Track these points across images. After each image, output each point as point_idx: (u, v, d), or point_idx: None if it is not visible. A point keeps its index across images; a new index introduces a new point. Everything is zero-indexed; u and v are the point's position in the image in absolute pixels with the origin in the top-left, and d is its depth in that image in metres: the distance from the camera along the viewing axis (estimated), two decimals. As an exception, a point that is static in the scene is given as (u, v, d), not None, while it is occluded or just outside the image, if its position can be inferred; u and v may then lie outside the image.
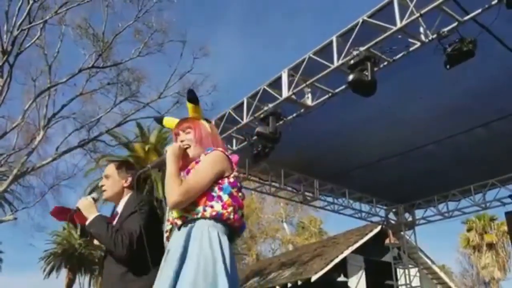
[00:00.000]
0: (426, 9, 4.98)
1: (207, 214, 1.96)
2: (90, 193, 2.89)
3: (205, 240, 1.88)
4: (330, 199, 10.87)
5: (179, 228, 2.00)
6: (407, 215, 11.90)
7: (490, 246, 25.12)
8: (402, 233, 11.98)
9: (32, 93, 14.89)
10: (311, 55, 6.24)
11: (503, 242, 24.82)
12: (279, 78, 6.67)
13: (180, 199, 1.95)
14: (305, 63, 6.29)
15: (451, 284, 18.96)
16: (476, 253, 26.00)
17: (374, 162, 9.08)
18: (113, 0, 14.89)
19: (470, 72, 6.01)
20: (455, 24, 5.04)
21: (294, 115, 6.79)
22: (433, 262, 17.90)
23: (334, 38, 5.95)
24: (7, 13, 13.19)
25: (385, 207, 11.94)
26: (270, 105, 6.68)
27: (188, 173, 2.09)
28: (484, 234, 25.36)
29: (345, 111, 7.16)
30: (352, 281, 15.81)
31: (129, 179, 2.85)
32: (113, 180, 2.85)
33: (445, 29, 5.07)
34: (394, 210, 11.92)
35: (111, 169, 2.90)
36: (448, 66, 5.24)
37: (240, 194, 2.10)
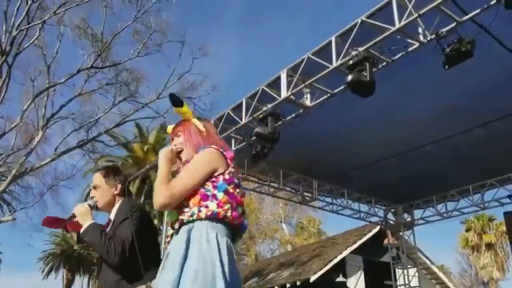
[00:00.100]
0: (425, 9, 4.99)
1: (202, 214, 1.91)
2: (87, 195, 2.87)
3: (203, 242, 1.84)
4: (329, 199, 10.89)
5: (177, 232, 1.96)
6: (406, 215, 11.92)
7: (489, 246, 25.13)
8: (401, 233, 11.99)
9: (31, 94, 14.88)
10: (310, 55, 6.24)
11: (501, 242, 24.83)
12: (278, 78, 6.68)
13: (164, 201, 1.92)
14: (304, 63, 6.30)
15: (449, 284, 18.97)
16: (474, 253, 26.01)
17: (373, 163, 9.09)
18: (112, 0, 14.91)
19: (468, 73, 6.02)
20: (453, 24, 5.05)
21: (293, 115, 6.80)
22: (432, 262, 17.91)
23: (333, 39, 5.96)
24: (6, 13, 13.20)
25: (384, 208, 11.95)
26: (269, 106, 6.68)
27: None
28: (483, 234, 25.38)
29: (344, 112, 7.16)
30: (351, 281, 15.82)
31: (119, 186, 2.81)
32: (102, 190, 2.81)
33: (444, 30, 5.07)
34: (393, 210, 11.94)
35: (98, 178, 2.84)
36: (446, 67, 5.25)
37: (237, 190, 2.03)
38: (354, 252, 15.88)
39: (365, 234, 16.15)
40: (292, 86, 6.43)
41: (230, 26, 52.67)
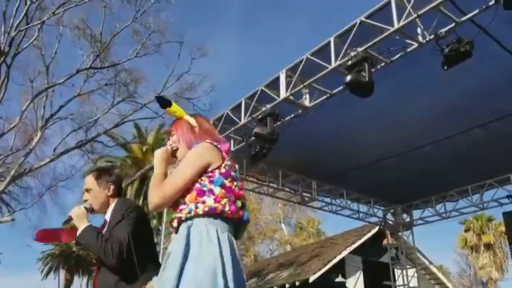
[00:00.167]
0: (424, 10, 5.00)
1: (200, 211, 1.87)
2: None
3: (204, 240, 1.81)
4: (328, 199, 10.89)
5: (176, 231, 1.94)
6: (405, 215, 11.92)
7: (488, 246, 25.15)
8: (400, 233, 12.00)
9: (30, 94, 14.87)
10: (308, 56, 6.24)
11: (500, 242, 24.86)
12: (277, 78, 6.68)
13: (157, 201, 1.92)
14: (302, 63, 6.30)
15: (448, 284, 19.00)
16: (473, 254, 26.03)
17: (372, 163, 9.09)
18: (111, 0, 14.91)
19: (467, 73, 6.02)
20: (452, 25, 5.05)
21: (292, 116, 6.80)
22: (430, 263, 17.93)
23: (331, 39, 5.96)
24: (5, 14, 13.17)
25: (383, 208, 11.95)
26: (268, 106, 6.68)
27: None
28: (482, 235, 25.40)
29: (342, 112, 7.16)
30: (350, 282, 15.82)
31: (111, 187, 2.81)
32: (94, 192, 2.80)
33: (443, 30, 5.08)
34: (392, 210, 11.94)
35: (90, 181, 2.84)
36: (445, 67, 5.26)
37: (235, 183, 1.99)
38: (353, 252, 15.89)
39: (364, 235, 16.17)
40: (291, 86, 6.43)
41: (229, 26, 52.75)
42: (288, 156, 8.55)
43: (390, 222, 12.06)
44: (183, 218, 1.91)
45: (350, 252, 15.83)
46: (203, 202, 1.89)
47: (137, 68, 16.91)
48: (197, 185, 1.93)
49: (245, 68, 54.61)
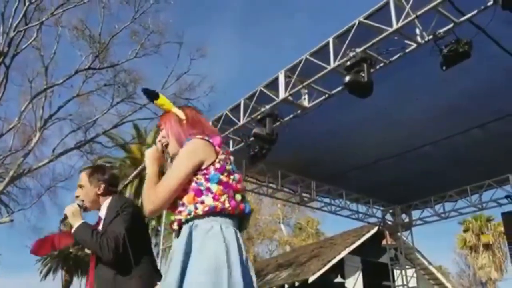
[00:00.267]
0: (422, 10, 5.00)
1: (199, 211, 1.81)
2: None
3: (206, 236, 1.76)
4: (327, 200, 10.90)
5: (178, 233, 1.88)
6: (404, 216, 11.93)
7: (487, 246, 25.16)
8: (399, 234, 12.01)
9: (29, 95, 14.85)
10: (307, 56, 6.25)
11: (499, 242, 24.86)
12: (276, 79, 6.68)
13: (151, 207, 1.86)
14: (301, 64, 6.30)
15: (448, 284, 19.00)
16: (473, 254, 26.02)
17: (370, 163, 9.09)
18: (110, 1, 14.91)
19: (466, 73, 6.03)
20: (451, 25, 5.06)
21: (291, 116, 6.80)
22: (430, 263, 17.94)
23: (330, 40, 5.97)
24: (3, 15, 13.16)
25: (382, 208, 11.96)
26: (267, 106, 6.68)
27: None
28: (481, 235, 25.39)
29: (341, 112, 7.17)
30: (349, 282, 15.83)
31: (102, 185, 2.85)
32: (86, 189, 2.87)
33: (441, 30, 5.09)
34: (391, 211, 11.95)
35: (83, 178, 2.91)
36: (444, 67, 5.26)
37: (232, 177, 1.93)
38: (352, 252, 15.90)
39: (363, 235, 16.18)
40: (290, 87, 6.44)
41: (228, 26, 52.74)
42: (287, 156, 8.55)
43: (389, 223, 12.07)
44: (183, 220, 1.85)
45: (349, 253, 15.83)
46: (202, 202, 1.83)
47: (136, 68, 16.94)
48: (193, 184, 1.87)
49: (244, 68, 54.60)
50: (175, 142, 2.06)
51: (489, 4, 4.75)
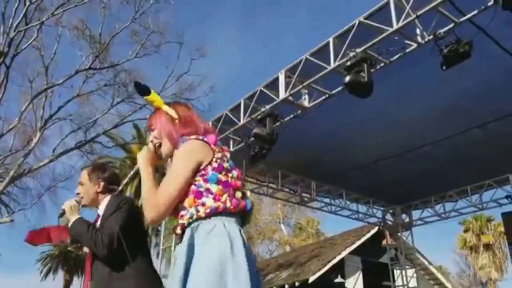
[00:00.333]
0: (423, 10, 5.00)
1: (201, 214, 1.78)
2: None
3: (209, 235, 1.72)
4: (327, 200, 10.89)
5: (181, 238, 1.83)
6: (404, 216, 11.93)
7: (487, 246, 25.16)
8: (399, 234, 12.00)
9: (29, 95, 14.85)
10: (308, 56, 6.25)
11: (500, 242, 24.87)
12: (276, 79, 6.69)
13: (153, 216, 1.80)
14: (302, 64, 6.31)
15: (448, 285, 19.01)
16: (473, 254, 26.03)
17: (371, 163, 9.09)
18: (110, 1, 14.91)
19: (466, 73, 6.03)
20: (451, 25, 5.06)
21: (291, 116, 6.80)
22: (430, 263, 17.95)
23: (330, 40, 5.97)
24: (4, 15, 13.16)
25: (382, 208, 11.96)
26: (267, 106, 6.69)
27: None
28: (481, 235, 25.40)
29: (341, 113, 7.17)
30: (349, 282, 15.83)
31: (102, 183, 2.87)
32: (86, 186, 2.89)
33: (441, 31, 5.09)
34: (391, 211, 11.95)
35: (84, 175, 2.93)
36: (444, 67, 5.26)
37: (230, 174, 1.89)
38: (352, 252, 15.90)
39: (364, 235, 16.18)
40: (290, 87, 6.44)
41: (229, 25, 52.67)
42: (287, 156, 8.55)
43: (389, 223, 12.07)
44: (186, 224, 1.82)
45: (350, 253, 15.84)
46: (203, 204, 1.79)
47: (137, 68, 16.94)
48: (193, 187, 1.83)
49: (244, 68, 54.59)
50: (168, 143, 2.00)
51: (489, 4, 4.75)
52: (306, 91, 6.52)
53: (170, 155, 2.00)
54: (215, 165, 1.87)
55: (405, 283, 11.72)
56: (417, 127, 7.86)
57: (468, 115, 7.47)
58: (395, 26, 5.20)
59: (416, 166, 9.07)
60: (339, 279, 15.09)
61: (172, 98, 16.54)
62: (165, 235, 10.96)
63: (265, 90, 6.83)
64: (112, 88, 16.00)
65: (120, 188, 2.55)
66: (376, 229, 14.55)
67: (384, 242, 12.96)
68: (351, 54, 5.52)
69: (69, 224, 2.68)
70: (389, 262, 12.23)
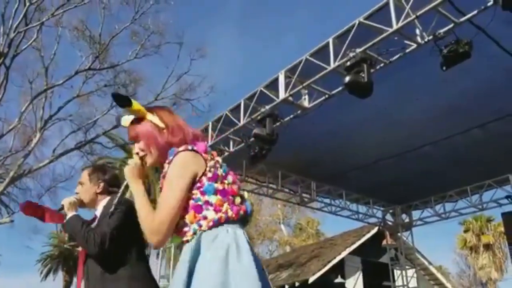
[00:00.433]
0: (422, 10, 5.00)
1: (204, 227, 1.71)
2: None
3: (215, 242, 1.67)
4: (327, 200, 10.90)
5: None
6: (404, 216, 11.93)
7: (487, 247, 25.16)
8: (399, 234, 12.00)
9: (29, 95, 14.85)
10: (307, 56, 6.25)
11: (500, 243, 24.87)
12: (276, 79, 6.69)
13: (158, 237, 1.70)
14: (301, 64, 6.31)
15: (448, 285, 19.01)
16: (473, 254, 26.03)
17: (371, 164, 9.09)
18: (110, 2, 14.92)
19: (466, 74, 6.03)
20: (451, 25, 5.06)
21: (291, 116, 6.80)
22: (430, 263, 17.95)
23: (330, 40, 5.97)
24: (4, 15, 13.15)
25: (382, 208, 11.96)
26: (267, 107, 6.69)
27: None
28: (481, 235, 25.40)
29: (341, 113, 7.17)
30: (349, 282, 15.83)
31: (101, 184, 2.87)
32: (85, 187, 2.89)
33: (441, 31, 5.09)
34: (391, 211, 11.95)
35: (84, 175, 2.94)
36: (444, 68, 5.26)
37: (226, 181, 1.81)
38: (352, 253, 15.91)
39: (364, 235, 16.18)
40: (290, 87, 6.44)
41: (229, 25, 52.66)
42: (287, 157, 8.55)
43: (390, 223, 12.08)
44: (190, 239, 1.73)
45: (350, 253, 15.84)
46: (205, 218, 1.72)
47: (137, 69, 16.97)
48: (191, 201, 1.74)
49: (244, 68, 54.56)
50: (156, 154, 1.90)
51: (489, 4, 4.75)
52: (306, 91, 6.53)
53: (157, 165, 1.92)
54: (209, 174, 1.78)
55: (405, 283, 11.72)
56: (417, 127, 7.86)
57: (468, 115, 7.47)
58: (395, 26, 5.20)
59: (416, 166, 9.07)
60: (339, 280, 15.10)
61: (172, 99, 16.60)
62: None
63: (265, 91, 6.83)
64: (112, 89, 15.99)
65: (112, 210, 2.49)
66: (376, 229, 14.54)
67: (384, 242, 12.96)
68: (351, 54, 5.53)
69: (65, 219, 2.70)
70: (389, 262, 12.23)
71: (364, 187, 10.46)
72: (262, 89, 6.88)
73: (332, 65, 5.86)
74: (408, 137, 8.20)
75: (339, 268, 15.48)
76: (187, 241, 1.72)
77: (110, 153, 19.66)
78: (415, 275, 12.24)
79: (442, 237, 48.98)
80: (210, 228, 1.71)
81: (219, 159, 1.87)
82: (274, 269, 18.06)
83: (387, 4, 5.30)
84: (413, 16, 5.04)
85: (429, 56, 5.21)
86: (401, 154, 8.68)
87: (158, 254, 11.15)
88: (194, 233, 1.71)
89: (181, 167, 1.76)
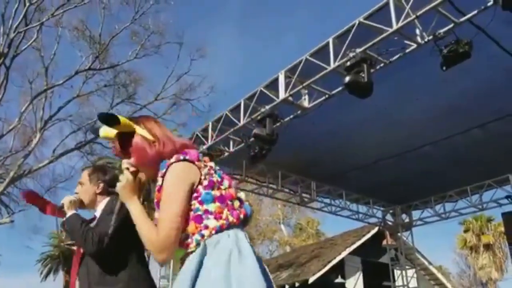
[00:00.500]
0: (422, 10, 5.00)
1: (207, 237, 1.68)
2: None
3: (218, 248, 1.65)
4: (327, 200, 10.90)
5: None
6: (404, 216, 11.93)
7: (487, 246, 25.16)
8: (399, 234, 12.00)
9: (29, 95, 14.85)
10: (307, 56, 6.25)
11: (500, 242, 24.87)
12: (276, 79, 6.69)
13: (164, 254, 1.66)
14: (301, 64, 6.31)
15: (448, 285, 19.01)
16: (473, 254, 26.03)
17: (371, 164, 9.09)
18: (110, 2, 14.92)
19: (466, 73, 6.03)
20: (451, 25, 5.06)
21: (291, 116, 6.80)
22: (430, 263, 17.95)
23: (330, 40, 5.97)
24: (4, 16, 13.15)
25: (382, 208, 11.96)
26: (267, 107, 6.69)
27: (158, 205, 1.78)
28: (481, 235, 25.40)
29: (341, 113, 7.17)
30: (349, 282, 15.83)
31: (101, 185, 2.87)
32: (85, 187, 2.89)
33: (441, 31, 5.09)
34: (391, 211, 11.95)
35: (84, 176, 2.94)
36: (444, 68, 5.27)
37: (222, 186, 1.77)
38: (352, 253, 15.90)
39: (364, 235, 16.18)
40: (290, 87, 6.44)
41: (229, 25, 52.62)
42: (287, 157, 8.55)
43: (390, 223, 12.07)
44: (194, 250, 1.70)
45: (350, 253, 15.84)
46: (206, 227, 1.69)
47: (137, 69, 16.99)
48: (190, 213, 1.71)
49: (244, 68, 54.51)
50: (148, 168, 1.87)
51: (489, 4, 4.75)
52: (306, 91, 6.53)
53: (151, 178, 1.89)
54: (205, 182, 1.75)
55: (405, 283, 11.72)
56: (417, 127, 7.86)
57: (468, 115, 7.47)
58: (395, 27, 5.20)
59: (416, 166, 9.07)
60: (339, 280, 15.10)
61: (172, 99, 16.60)
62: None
63: (265, 91, 6.83)
64: (112, 89, 16.05)
65: (111, 233, 2.49)
66: (376, 229, 14.57)
67: (384, 242, 12.97)
68: (351, 54, 5.53)
69: (65, 217, 2.70)
70: (389, 262, 12.23)
71: (364, 187, 10.46)
72: (262, 89, 6.88)
73: (332, 65, 5.87)
74: (408, 137, 8.20)
75: (339, 268, 15.48)
76: (191, 252, 1.69)
77: (110, 153, 19.64)
78: (415, 275, 12.24)
79: (442, 237, 49.00)
80: (212, 235, 1.69)
81: (212, 164, 1.84)
82: (274, 269, 18.05)
83: (387, 4, 5.30)
84: (413, 16, 5.05)
85: (429, 56, 5.21)
86: (401, 154, 8.68)
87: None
88: (197, 244, 1.68)
89: (177, 179, 1.73)
